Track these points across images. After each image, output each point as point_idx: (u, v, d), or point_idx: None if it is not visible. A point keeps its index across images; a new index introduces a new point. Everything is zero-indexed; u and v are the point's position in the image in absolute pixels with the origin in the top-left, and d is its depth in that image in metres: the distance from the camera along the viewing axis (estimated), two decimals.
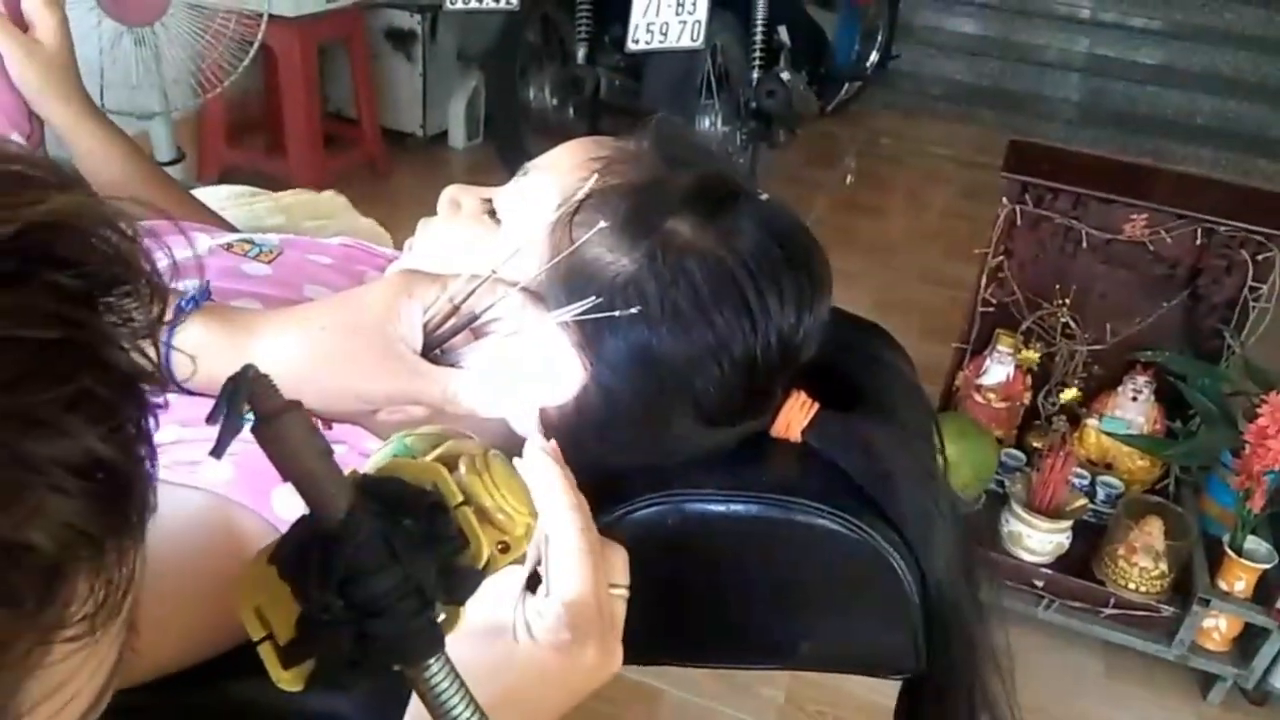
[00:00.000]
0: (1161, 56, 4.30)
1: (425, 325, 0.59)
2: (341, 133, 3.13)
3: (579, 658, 0.49)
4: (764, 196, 0.68)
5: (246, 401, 0.27)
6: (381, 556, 0.29)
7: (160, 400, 0.25)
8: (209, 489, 0.60)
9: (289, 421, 0.28)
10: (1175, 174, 1.92)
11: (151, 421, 0.25)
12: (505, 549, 0.41)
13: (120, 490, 0.25)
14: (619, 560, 0.54)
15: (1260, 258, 1.66)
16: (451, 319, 0.59)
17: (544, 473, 0.49)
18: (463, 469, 0.40)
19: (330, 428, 0.65)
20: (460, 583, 0.34)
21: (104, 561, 0.24)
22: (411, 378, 0.58)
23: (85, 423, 0.23)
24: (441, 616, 0.33)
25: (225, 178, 2.81)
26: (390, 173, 3.15)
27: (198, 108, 2.50)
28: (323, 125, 2.95)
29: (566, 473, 0.50)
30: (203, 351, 0.57)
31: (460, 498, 0.37)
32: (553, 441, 0.51)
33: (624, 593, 0.54)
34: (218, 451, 0.27)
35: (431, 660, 0.31)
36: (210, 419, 0.27)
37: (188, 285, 0.60)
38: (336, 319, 0.59)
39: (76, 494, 0.23)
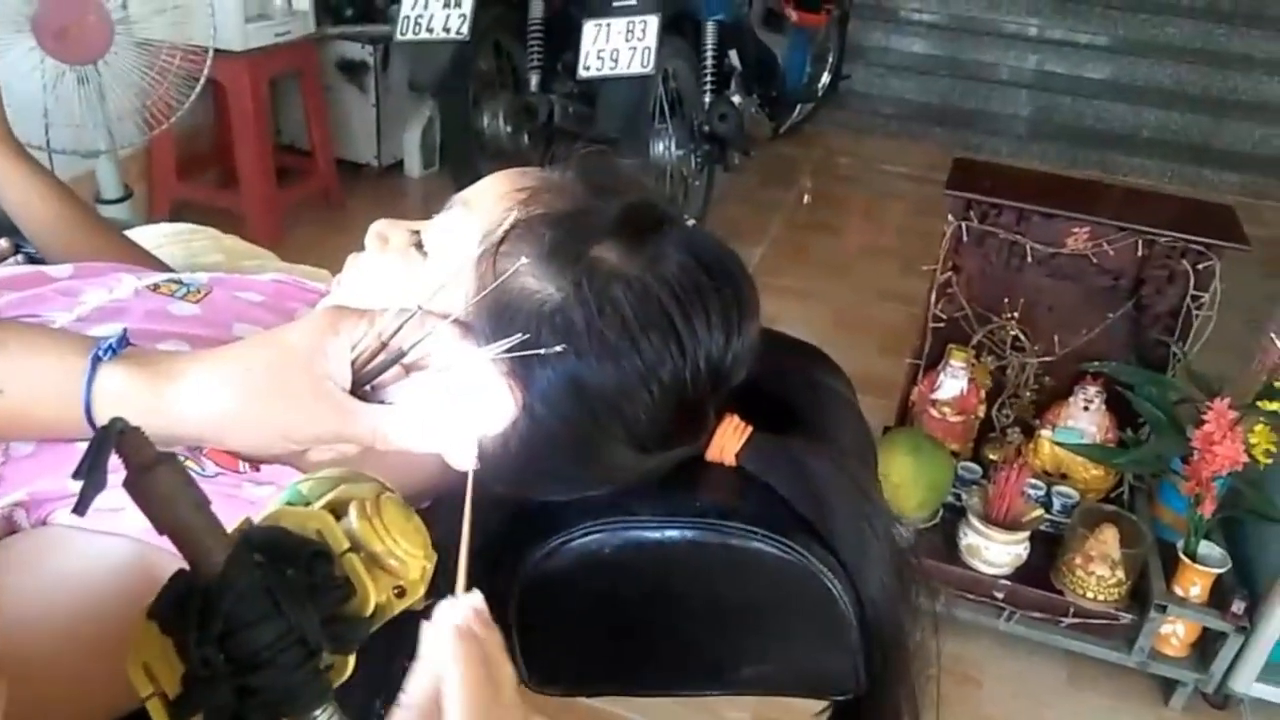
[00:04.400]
0: (1107, 71, 4.39)
1: (353, 362, 0.58)
2: (295, 165, 3.12)
3: None
4: (691, 222, 0.68)
5: (118, 454, 0.27)
6: (262, 608, 0.29)
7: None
8: (130, 535, 0.59)
9: (161, 475, 0.27)
10: (1115, 187, 1.96)
11: None
12: (401, 593, 0.40)
13: None
14: None
15: (1200, 267, 1.69)
16: (380, 355, 0.59)
17: None
18: (353, 514, 0.39)
19: (258, 469, 0.64)
20: (347, 631, 0.33)
21: None
22: (340, 416, 0.57)
23: None
24: (329, 666, 0.32)
25: (177, 214, 2.78)
26: (345, 204, 3.13)
27: (146, 144, 2.48)
28: (276, 158, 2.93)
29: None
30: (123, 399, 0.56)
31: (346, 544, 0.36)
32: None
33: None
34: (80, 509, 0.26)
35: (318, 711, 0.30)
36: (76, 475, 0.27)
37: (106, 332, 0.58)
38: (261, 359, 0.58)
39: None
